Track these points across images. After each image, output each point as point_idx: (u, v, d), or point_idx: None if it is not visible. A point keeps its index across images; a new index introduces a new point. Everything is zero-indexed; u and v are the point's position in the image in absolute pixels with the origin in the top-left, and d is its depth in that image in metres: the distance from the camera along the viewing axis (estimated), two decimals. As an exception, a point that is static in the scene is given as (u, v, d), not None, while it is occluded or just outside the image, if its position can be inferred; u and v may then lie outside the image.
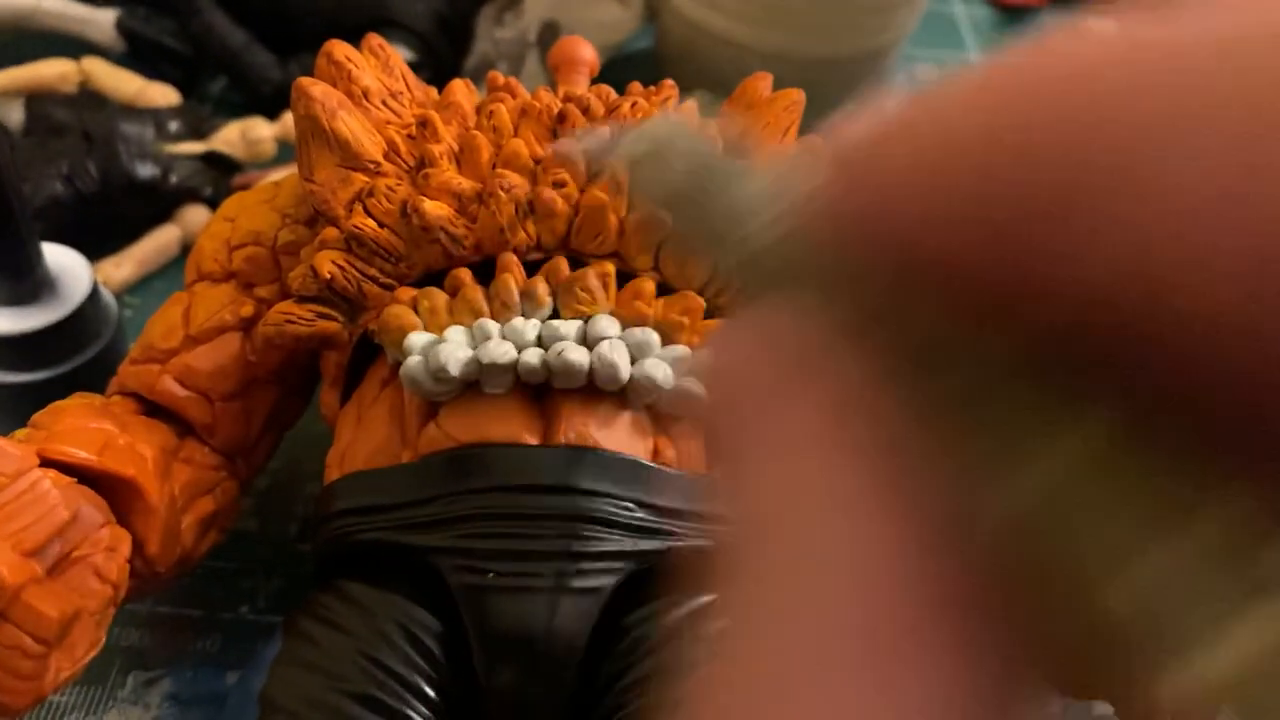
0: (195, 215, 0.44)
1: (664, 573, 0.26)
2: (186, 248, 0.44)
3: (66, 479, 0.25)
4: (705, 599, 0.26)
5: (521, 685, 0.25)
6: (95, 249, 0.40)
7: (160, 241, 0.43)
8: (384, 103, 0.30)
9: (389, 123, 0.29)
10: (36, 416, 0.28)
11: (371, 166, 0.28)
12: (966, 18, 0.67)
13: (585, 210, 0.28)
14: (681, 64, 0.52)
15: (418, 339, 0.26)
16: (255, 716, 0.24)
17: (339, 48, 0.30)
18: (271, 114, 0.47)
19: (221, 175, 0.45)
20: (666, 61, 0.55)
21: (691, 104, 0.33)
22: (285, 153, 0.46)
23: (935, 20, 0.65)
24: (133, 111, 0.44)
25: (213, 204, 0.44)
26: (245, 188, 0.45)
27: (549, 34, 0.51)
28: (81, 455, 0.26)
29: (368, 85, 0.29)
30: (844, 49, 0.50)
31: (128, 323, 0.40)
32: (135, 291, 0.43)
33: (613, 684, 0.25)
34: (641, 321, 0.27)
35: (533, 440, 0.26)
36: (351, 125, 0.28)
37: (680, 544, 0.26)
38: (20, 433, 0.27)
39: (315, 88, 0.28)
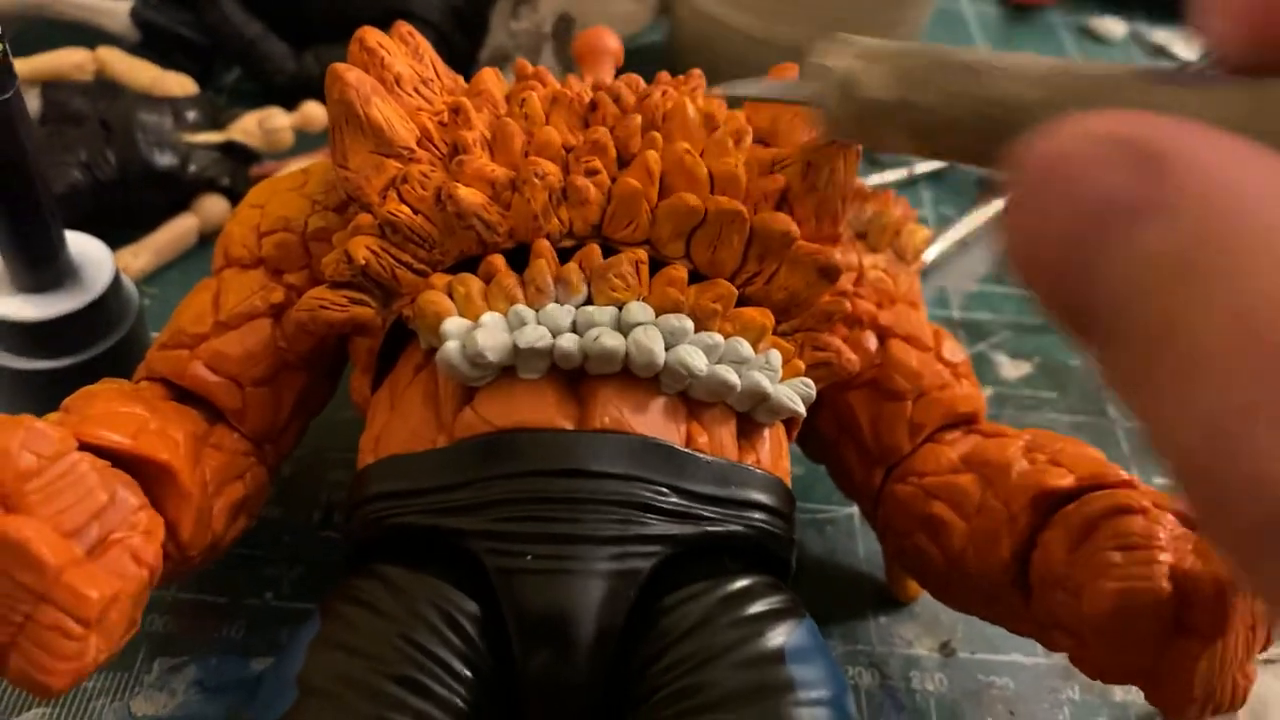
0: (213, 205, 0.44)
1: (699, 557, 0.26)
2: (204, 238, 0.44)
3: (102, 462, 0.25)
4: (741, 583, 0.26)
5: (557, 668, 0.25)
6: (113, 238, 0.39)
7: (178, 231, 0.43)
8: (416, 90, 0.30)
9: (421, 109, 0.29)
10: (68, 401, 0.28)
11: (405, 153, 0.28)
12: (975, 15, 0.67)
13: (618, 198, 0.28)
14: (694, 57, 0.53)
15: (454, 324, 0.26)
16: (290, 699, 0.24)
17: (371, 34, 0.30)
18: (287, 104, 0.47)
19: (239, 165, 0.45)
20: (679, 55, 0.55)
21: (718, 91, 0.33)
22: (303, 143, 0.46)
23: (945, 17, 0.65)
24: (151, 100, 0.44)
25: (231, 194, 0.44)
26: (263, 178, 0.45)
27: (564, 26, 0.51)
28: (116, 439, 0.26)
29: (400, 72, 0.29)
30: (858, 43, 0.50)
31: (146, 311, 0.40)
32: (152, 281, 0.43)
33: (648, 667, 0.25)
34: (675, 308, 0.27)
35: (568, 425, 0.26)
36: (385, 111, 0.28)
37: (714, 529, 0.26)
38: (52, 416, 0.27)
39: (350, 73, 0.28)
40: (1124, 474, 0.27)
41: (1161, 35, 0.67)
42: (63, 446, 0.24)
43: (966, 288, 0.49)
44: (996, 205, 0.51)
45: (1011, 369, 0.45)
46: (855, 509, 0.39)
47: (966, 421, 0.32)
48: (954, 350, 0.32)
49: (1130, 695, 0.35)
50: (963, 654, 0.36)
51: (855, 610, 0.37)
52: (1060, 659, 0.36)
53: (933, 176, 0.54)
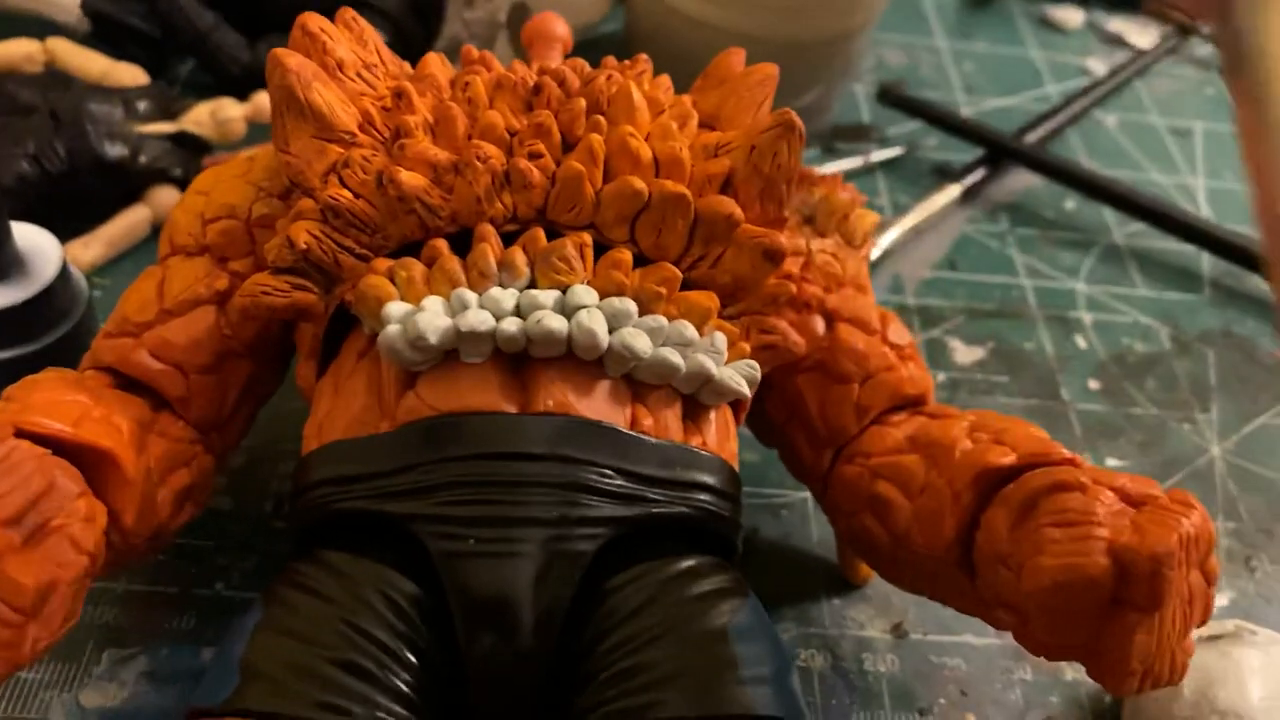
0: (165, 196, 0.44)
1: (644, 539, 0.26)
2: (156, 228, 0.44)
3: (40, 450, 0.25)
4: (686, 563, 0.26)
5: (501, 650, 0.25)
6: (63, 229, 0.39)
7: (129, 222, 0.43)
8: (358, 74, 0.30)
9: (363, 94, 0.29)
10: (9, 390, 0.27)
11: (347, 137, 0.28)
12: (933, 5, 0.67)
13: (561, 181, 0.28)
14: (651, 46, 0.53)
15: (396, 308, 0.26)
16: (233, 683, 0.23)
17: (313, 19, 0.29)
18: (241, 95, 0.46)
19: (191, 156, 0.44)
20: (636, 43, 0.55)
21: (665, 79, 0.33)
22: (255, 133, 0.46)
23: (903, 6, 0.66)
24: (101, 91, 0.43)
25: (182, 184, 0.44)
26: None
27: (519, 15, 0.51)
28: (56, 427, 0.25)
29: (342, 57, 0.29)
30: (814, 32, 0.50)
31: (97, 303, 0.40)
32: (104, 272, 0.43)
33: (593, 648, 0.25)
34: (619, 291, 0.27)
35: (511, 409, 0.26)
36: (327, 96, 0.28)
37: (659, 510, 0.26)
38: (-9, 405, 0.27)
39: (291, 58, 0.28)
40: (1066, 452, 0.28)
41: (1118, 24, 0.68)
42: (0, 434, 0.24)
43: (921, 274, 0.49)
44: (950, 191, 0.52)
45: (965, 354, 0.46)
46: (808, 494, 0.39)
47: (913, 403, 0.32)
48: (900, 333, 0.33)
49: (1081, 674, 0.36)
50: (914, 635, 0.36)
51: (808, 593, 0.37)
52: (1011, 639, 0.36)
53: (889, 165, 0.54)
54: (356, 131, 0.28)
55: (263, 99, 0.45)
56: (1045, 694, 0.35)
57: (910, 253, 0.49)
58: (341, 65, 0.29)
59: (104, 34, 0.49)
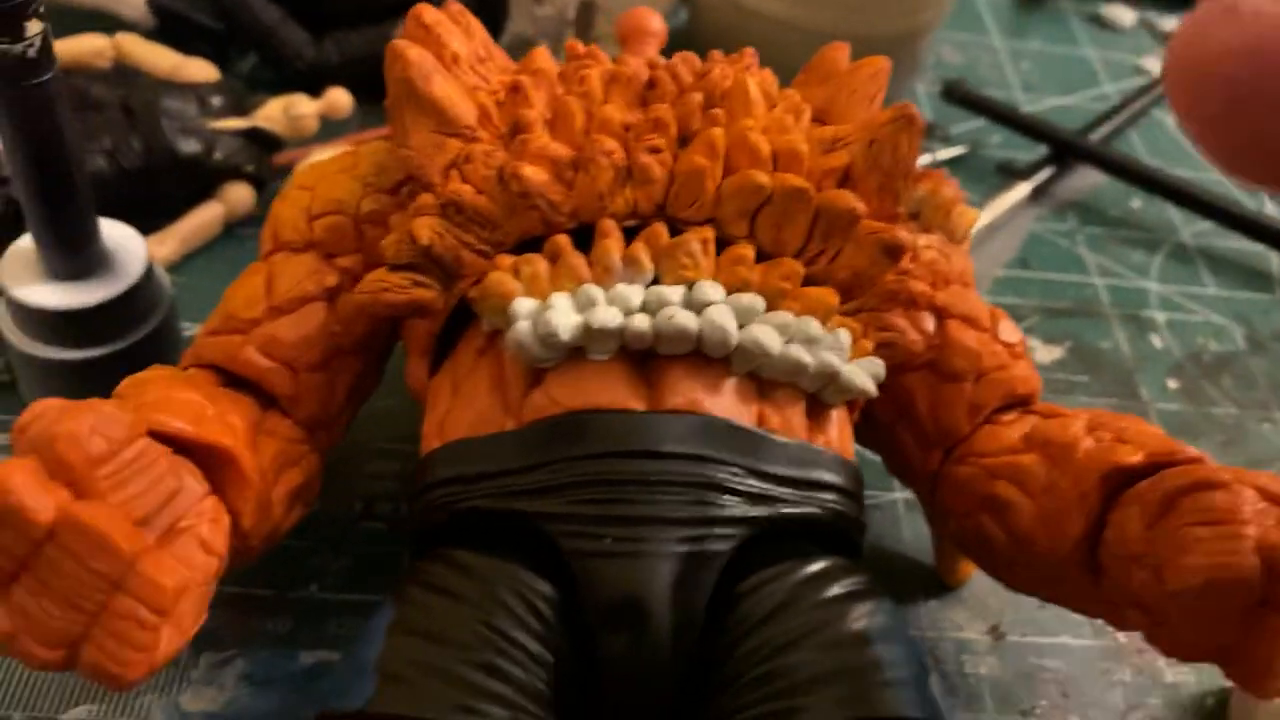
0: (238, 193, 0.43)
1: (775, 540, 0.26)
2: (229, 226, 0.44)
3: (165, 449, 0.25)
4: (819, 565, 0.26)
5: (637, 651, 0.24)
6: (136, 227, 0.39)
7: (203, 219, 0.42)
8: (472, 68, 0.29)
9: (478, 88, 0.29)
10: (120, 388, 0.27)
11: (467, 132, 0.28)
12: (987, 4, 0.67)
13: (683, 176, 0.27)
14: (717, 42, 0.52)
15: (523, 304, 0.26)
16: (370, 687, 0.23)
17: (428, 11, 0.29)
18: (305, 91, 0.46)
19: (264, 152, 0.44)
20: (701, 39, 0.54)
21: (769, 73, 0.33)
22: (327, 129, 0.45)
23: (958, 4, 0.65)
24: (174, 86, 0.43)
25: (255, 181, 0.44)
26: (288, 166, 0.44)
27: (586, 12, 0.50)
28: (179, 426, 0.25)
29: (457, 50, 0.29)
30: (882, 28, 0.50)
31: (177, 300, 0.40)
32: (178, 270, 0.42)
33: (730, 652, 0.24)
34: (744, 287, 0.27)
35: (640, 406, 0.26)
36: (447, 90, 0.28)
37: (790, 511, 0.26)
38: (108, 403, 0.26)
39: (410, 50, 0.27)
40: (1192, 450, 0.27)
41: (1171, 23, 0.68)
42: (133, 431, 0.23)
43: (994, 273, 0.48)
44: (1020, 190, 0.51)
45: (1045, 353, 0.45)
46: (899, 495, 0.39)
47: (1023, 402, 0.32)
48: (1010, 330, 0.32)
49: (1182, 676, 0.35)
50: (1012, 637, 0.36)
51: (904, 595, 0.36)
52: (1110, 641, 0.36)
53: (954, 162, 0.54)
54: (476, 126, 0.28)
55: (335, 95, 0.45)
56: (1145, 695, 0.35)
57: (983, 251, 0.49)
58: (456, 59, 0.29)
59: (169, 29, 0.48)
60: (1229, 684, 0.35)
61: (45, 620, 0.22)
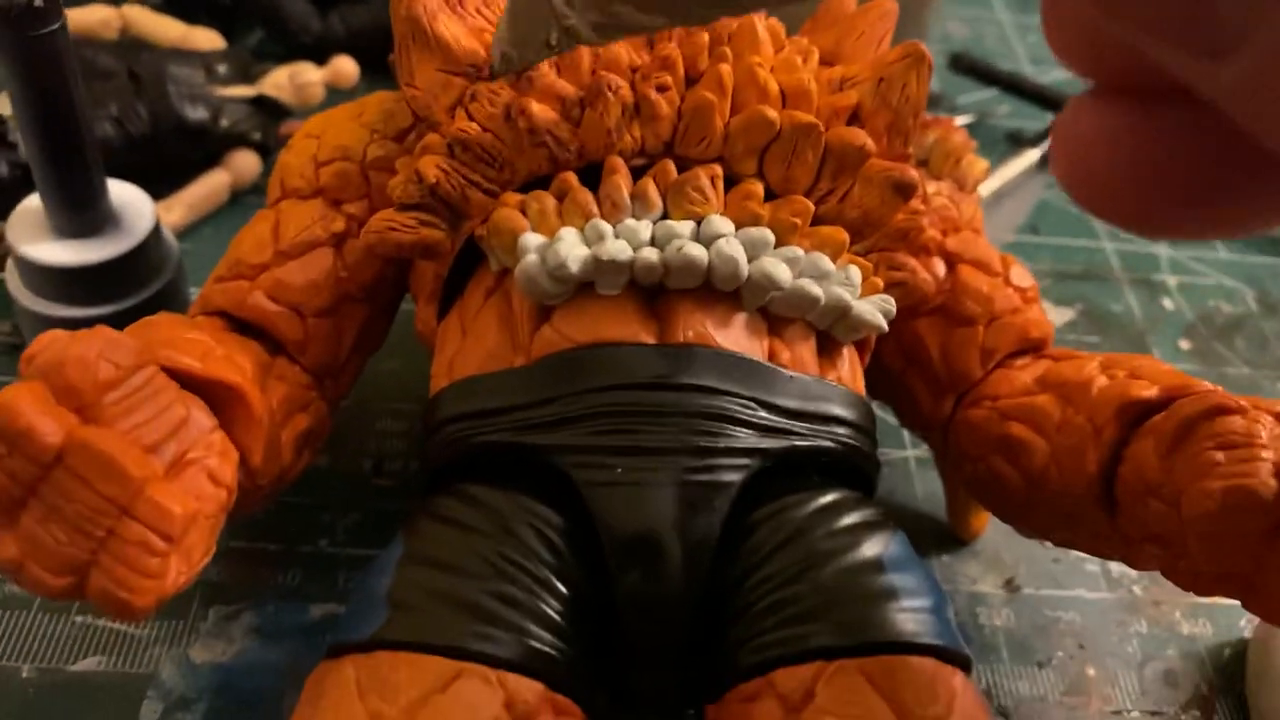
0: (245, 160, 0.43)
1: (787, 472, 0.25)
2: (236, 194, 0.44)
3: (174, 381, 0.24)
4: (831, 496, 0.25)
5: (652, 580, 0.24)
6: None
7: (210, 186, 0.42)
8: (478, 10, 0.29)
9: (484, 30, 0.29)
10: (129, 329, 0.27)
11: (473, 71, 0.28)
12: (992, -21, 0.67)
13: (690, 112, 0.27)
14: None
15: (532, 239, 0.26)
16: (381, 616, 0.23)
17: (433, -47, 0.29)
18: (315, 61, 0.46)
19: (270, 120, 0.44)
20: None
21: (776, 21, 0.32)
22: (334, 98, 0.45)
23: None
24: (181, 53, 0.43)
25: (262, 149, 0.44)
26: (292, 135, 0.44)
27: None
28: (187, 361, 0.25)
29: (462, -9, 0.29)
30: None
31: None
32: (185, 237, 0.42)
33: (744, 580, 0.24)
34: (754, 222, 0.26)
35: (649, 339, 0.25)
36: (452, 29, 0.27)
37: (802, 444, 0.25)
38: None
39: (416, -12, 0.27)
40: (1206, 384, 0.27)
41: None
42: (141, 358, 0.23)
43: (1005, 238, 0.48)
44: (1028, 157, 0.51)
45: (1056, 315, 0.45)
46: (911, 451, 0.39)
47: (1036, 347, 0.32)
48: (1023, 275, 0.32)
49: (1198, 628, 0.35)
50: (1027, 590, 0.35)
51: (917, 549, 0.35)
52: (1125, 594, 0.35)
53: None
54: (482, 65, 0.28)
55: (340, 63, 0.45)
56: (1162, 647, 0.34)
57: (992, 217, 0.48)
58: (461, 0, 0.29)
59: (176, 3, 0.49)
60: (1246, 635, 0.35)
61: (53, 547, 0.22)
